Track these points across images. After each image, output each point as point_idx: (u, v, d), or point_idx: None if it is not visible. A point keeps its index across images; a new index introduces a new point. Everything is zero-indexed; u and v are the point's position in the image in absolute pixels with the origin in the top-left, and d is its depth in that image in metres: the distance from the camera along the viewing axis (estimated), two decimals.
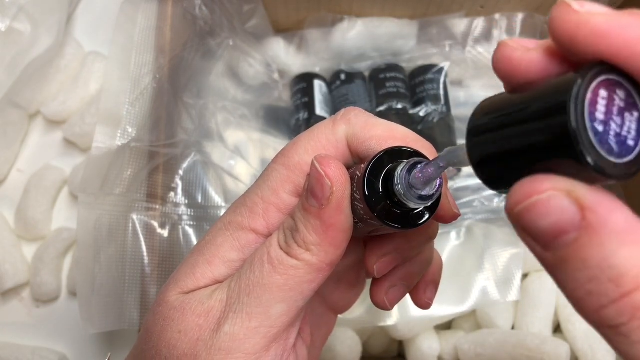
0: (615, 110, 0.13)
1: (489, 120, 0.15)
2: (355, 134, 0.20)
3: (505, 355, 0.37)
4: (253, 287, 0.18)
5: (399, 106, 0.46)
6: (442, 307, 0.38)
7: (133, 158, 0.38)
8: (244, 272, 0.19)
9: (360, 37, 0.48)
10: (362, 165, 0.18)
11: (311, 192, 0.18)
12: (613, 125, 0.12)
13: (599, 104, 0.12)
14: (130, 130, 0.39)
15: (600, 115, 0.12)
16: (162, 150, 0.39)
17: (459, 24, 0.49)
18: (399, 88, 0.47)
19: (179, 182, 0.40)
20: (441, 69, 0.47)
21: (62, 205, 0.45)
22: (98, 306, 0.35)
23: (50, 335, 0.42)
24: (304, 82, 0.47)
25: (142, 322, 0.22)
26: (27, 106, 0.47)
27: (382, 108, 0.46)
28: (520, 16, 0.49)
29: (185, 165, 0.40)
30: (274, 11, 0.48)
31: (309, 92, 0.47)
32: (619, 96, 0.13)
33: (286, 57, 0.48)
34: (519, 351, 0.36)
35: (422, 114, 0.46)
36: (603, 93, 0.12)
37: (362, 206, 0.18)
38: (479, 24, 0.49)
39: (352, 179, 0.19)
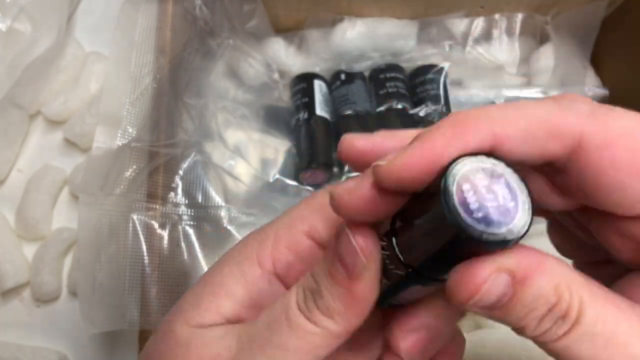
0: (483, 190, 0.14)
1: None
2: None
3: (505, 355, 0.37)
4: (267, 346, 0.18)
5: (399, 106, 0.46)
6: None
7: (133, 158, 0.38)
8: (259, 329, 0.18)
9: (360, 37, 0.48)
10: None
11: (340, 261, 0.17)
12: (489, 204, 0.14)
13: (468, 198, 0.14)
14: (130, 130, 0.39)
15: (474, 205, 0.14)
16: (162, 150, 0.39)
17: (459, 24, 0.49)
18: (399, 88, 0.47)
19: (179, 182, 0.40)
20: (441, 69, 0.47)
21: (62, 205, 0.45)
22: (98, 306, 0.35)
23: (50, 335, 0.42)
24: (304, 82, 0.47)
25: (144, 348, 0.21)
26: (28, 106, 0.47)
27: (382, 108, 0.46)
28: (520, 16, 0.49)
29: (185, 165, 0.40)
30: (274, 11, 0.48)
31: (309, 92, 0.47)
32: (480, 177, 0.15)
33: (286, 57, 0.48)
34: (519, 351, 0.36)
35: (422, 114, 0.46)
36: (467, 186, 0.14)
37: (393, 267, 0.17)
38: (479, 24, 0.49)
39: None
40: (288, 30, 0.50)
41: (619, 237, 0.17)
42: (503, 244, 0.14)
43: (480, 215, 0.14)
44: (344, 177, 0.45)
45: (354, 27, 0.47)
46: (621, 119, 0.15)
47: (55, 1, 0.47)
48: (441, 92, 0.46)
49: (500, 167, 0.15)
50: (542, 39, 0.50)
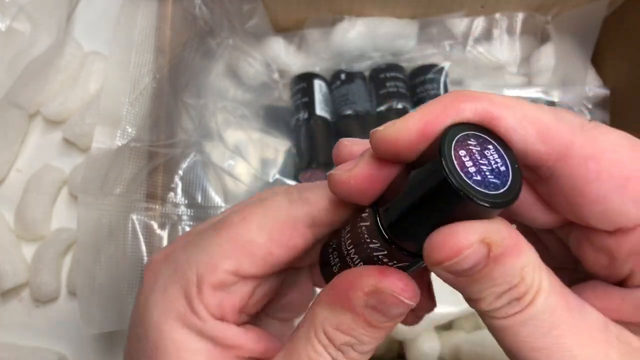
0: (477, 156, 0.15)
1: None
2: (317, 217, 0.19)
3: (505, 355, 0.37)
4: None
5: (399, 106, 0.46)
6: (442, 307, 0.38)
7: (133, 158, 0.38)
8: None
9: (360, 37, 0.47)
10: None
11: (384, 314, 0.17)
12: (484, 167, 0.15)
13: (465, 162, 0.15)
14: (129, 130, 0.39)
15: (472, 168, 0.15)
16: (162, 150, 0.39)
17: (459, 24, 0.49)
18: (399, 88, 0.47)
19: (178, 182, 0.40)
20: (441, 69, 0.47)
21: (61, 205, 0.45)
22: (98, 306, 0.35)
23: (50, 335, 0.42)
24: (304, 82, 0.47)
25: None
26: (27, 106, 0.47)
27: (382, 108, 0.46)
28: (520, 16, 0.49)
29: (185, 165, 0.40)
30: (274, 11, 0.48)
31: (309, 92, 0.47)
32: (472, 144, 0.15)
33: (286, 57, 0.48)
34: None
35: None
36: (462, 152, 0.15)
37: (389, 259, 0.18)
38: (479, 23, 0.49)
39: (354, 226, 0.18)
40: (288, 30, 0.50)
41: (593, 252, 0.17)
42: (500, 206, 0.14)
43: (479, 177, 0.14)
44: None
45: (354, 27, 0.47)
46: (608, 134, 0.16)
47: (55, 1, 0.47)
48: (441, 91, 0.46)
49: (489, 135, 0.16)
50: (543, 39, 0.50)
